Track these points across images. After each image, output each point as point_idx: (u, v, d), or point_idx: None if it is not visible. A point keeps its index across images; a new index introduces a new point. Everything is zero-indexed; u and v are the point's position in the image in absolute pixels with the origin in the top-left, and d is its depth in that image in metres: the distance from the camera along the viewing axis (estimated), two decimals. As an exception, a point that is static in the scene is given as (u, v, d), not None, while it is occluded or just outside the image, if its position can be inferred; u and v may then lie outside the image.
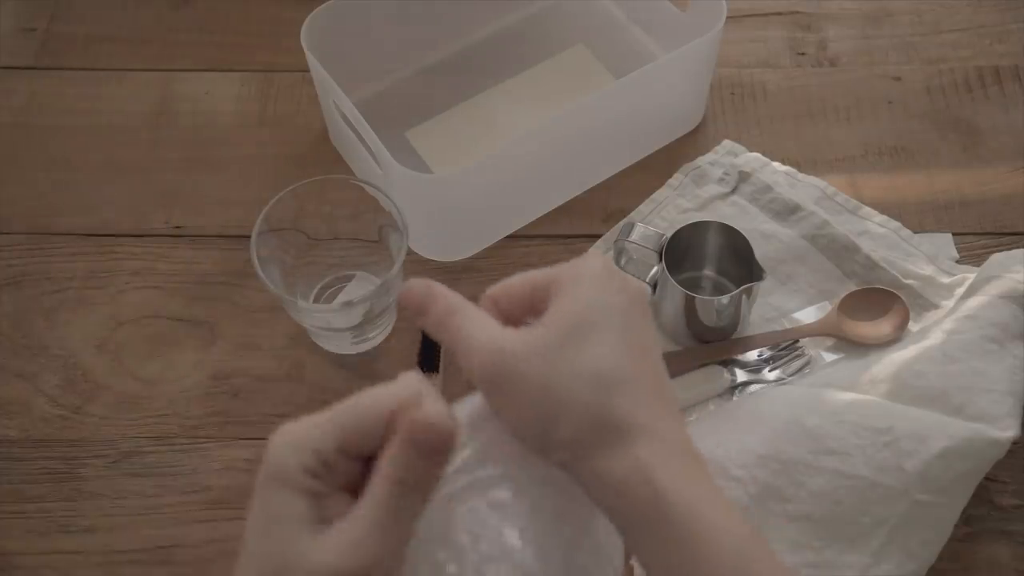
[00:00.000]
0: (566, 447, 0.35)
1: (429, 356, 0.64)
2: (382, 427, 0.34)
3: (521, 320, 0.39)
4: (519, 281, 0.39)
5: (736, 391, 0.64)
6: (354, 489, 0.34)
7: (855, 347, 0.65)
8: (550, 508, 0.37)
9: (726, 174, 0.73)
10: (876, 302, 0.66)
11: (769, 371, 0.65)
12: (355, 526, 0.32)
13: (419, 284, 0.39)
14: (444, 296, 0.39)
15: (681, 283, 0.62)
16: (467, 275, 0.70)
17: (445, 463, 0.34)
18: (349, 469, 0.34)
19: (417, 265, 0.70)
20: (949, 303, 0.65)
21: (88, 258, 0.71)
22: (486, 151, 0.64)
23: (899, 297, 0.65)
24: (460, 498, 0.36)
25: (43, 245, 0.72)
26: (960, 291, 0.65)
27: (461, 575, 0.35)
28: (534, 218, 0.72)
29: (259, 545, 0.33)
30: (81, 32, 0.84)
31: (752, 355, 0.65)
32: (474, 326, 0.37)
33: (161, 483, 0.62)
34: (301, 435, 0.33)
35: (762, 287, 0.63)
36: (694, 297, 0.62)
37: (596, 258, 0.38)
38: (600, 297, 0.37)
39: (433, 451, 0.33)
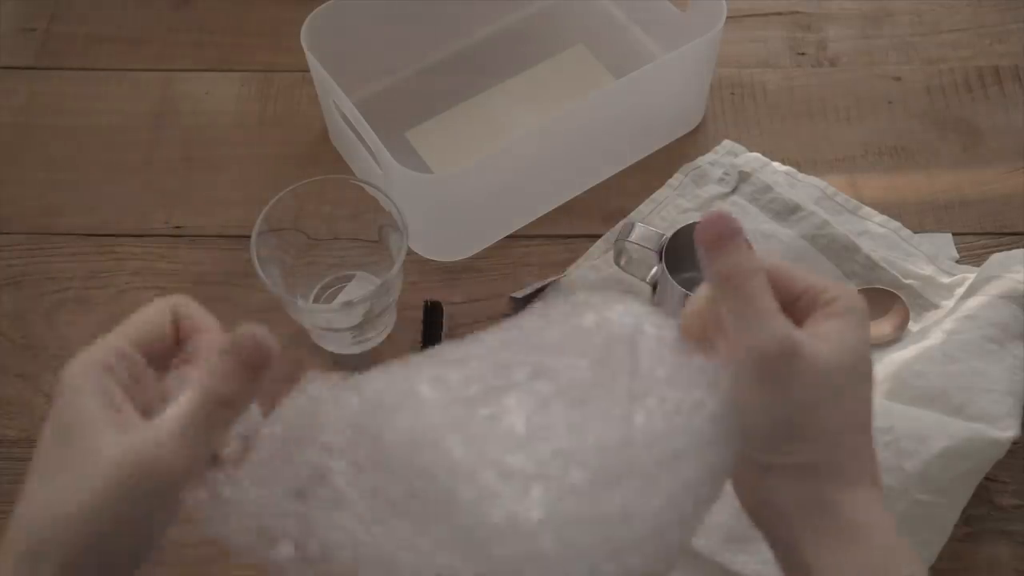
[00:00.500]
0: (801, 458, 0.36)
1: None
2: (165, 323, 0.35)
3: None
4: (786, 274, 0.38)
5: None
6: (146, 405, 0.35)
7: (855, 347, 0.65)
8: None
9: (726, 174, 0.73)
10: (876, 302, 0.66)
11: None
12: (158, 428, 0.32)
13: (727, 218, 0.36)
14: (746, 248, 0.36)
15: (681, 283, 0.62)
16: (467, 275, 0.70)
17: (260, 381, 0.34)
18: (139, 375, 0.35)
19: (417, 265, 0.70)
20: (949, 303, 0.65)
21: (88, 258, 0.71)
22: (486, 151, 0.64)
23: (899, 297, 0.65)
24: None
25: (43, 245, 0.72)
26: (960, 291, 0.65)
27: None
28: (534, 218, 0.72)
29: (52, 455, 0.33)
30: (81, 32, 0.84)
31: (752, 355, 0.65)
32: (768, 302, 0.35)
33: (161, 483, 0.62)
34: (89, 349, 0.34)
35: (762, 287, 0.63)
36: (694, 297, 0.62)
37: (859, 295, 0.38)
38: (867, 343, 0.37)
39: (254, 365, 0.33)
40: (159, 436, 0.32)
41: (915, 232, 0.70)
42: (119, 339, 0.35)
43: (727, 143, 0.76)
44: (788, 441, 0.36)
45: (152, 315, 0.36)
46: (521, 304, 0.68)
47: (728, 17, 0.69)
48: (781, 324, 0.35)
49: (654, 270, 0.66)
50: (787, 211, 0.71)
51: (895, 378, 0.59)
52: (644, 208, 0.72)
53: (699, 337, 0.38)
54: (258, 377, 0.34)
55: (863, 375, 0.36)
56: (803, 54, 0.82)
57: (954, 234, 0.71)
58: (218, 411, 0.33)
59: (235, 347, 0.33)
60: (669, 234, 0.64)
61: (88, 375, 0.33)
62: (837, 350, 0.35)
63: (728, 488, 0.38)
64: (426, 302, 0.66)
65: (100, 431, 0.32)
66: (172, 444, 0.32)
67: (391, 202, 0.62)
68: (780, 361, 0.34)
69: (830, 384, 0.35)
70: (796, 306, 0.37)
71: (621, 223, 0.70)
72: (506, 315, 0.68)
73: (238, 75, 0.81)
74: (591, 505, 0.32)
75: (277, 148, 0.77)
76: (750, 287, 0.35)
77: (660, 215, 0.72)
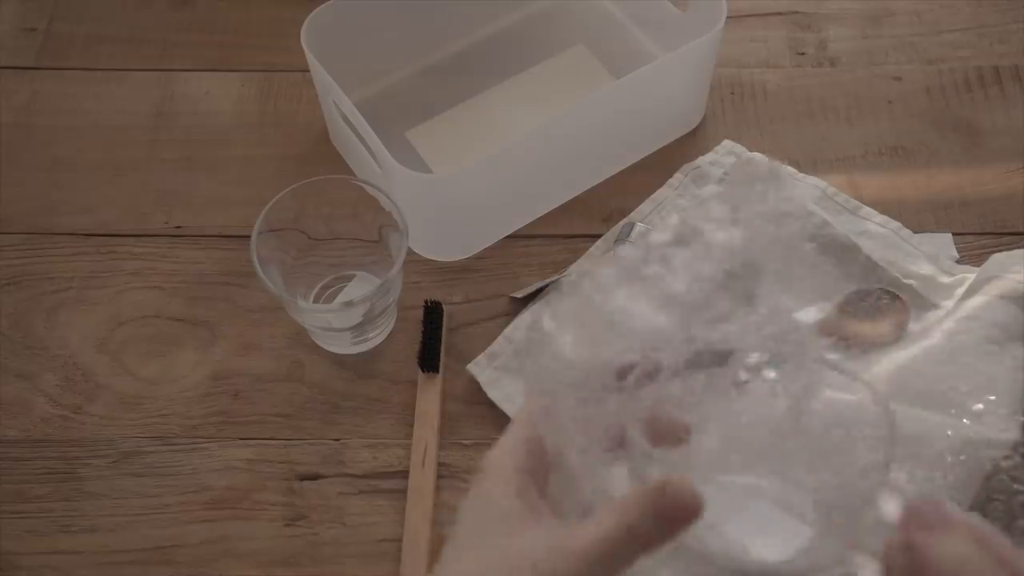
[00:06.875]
0: None
1: (429, 356, 0.64)
2: None
3: None
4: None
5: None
6: None
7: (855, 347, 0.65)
8: None
9: (726, 174, 0.73)
10: (876, 302, 0.66)
11: (768, 371, 0.64)
12: (573, 540, 0.33)
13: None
14: None
15: (681, 283, 0.62)
16: (467, 275, 0.70)
17: (676, 537, 0.33)
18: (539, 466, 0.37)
19: (417, 265, 0.70)
20: (949, 303, 0.65)
21: (88, 258, 0.71)
22: (486, 151, 0.64)
23: (899, 297, 0.65)
24: None
25: (43, 245, 0.72)
26: (960, 291, 0.65)
27: None
28: (534, 218, 0.72)
29: (468, 535, 0.36)
30: (81, 32, 0.84)
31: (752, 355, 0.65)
32: None
33: (161, 483, 0.62)
34: (509, 438, 0.37)
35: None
36: (694, 297, 0.62)
37: None
38: None
39: (673, 519, 0.33)
40: (572, 548, 0.33)
41: (915, 232, 0.70)
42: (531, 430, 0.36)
43: (727, 143, 0.76)
44: None
45: None
46: (521, 304, 0.68)
47: (728, 17, 0.69)
48: None
49: (654, 270, 0.66)
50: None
51: (895, 378, 0.59)
52: (644, 208, 0.72)
53: None
54: (676, 532, 0.33)
55: None
56: (803, 54, 0.82)
57: (954, 234, 0.71)
58: (630, 546, 0.33)
59: (657, 499, 0.33)
60: (669, 234, 0.64)
61: (507, 470, 0.36)
62: None
63: None
64: (426, 302, 0.66)
65: (516, 530, 0.34)
66: (579, 564, 0.33)
67: (391, 202, 0.62)
68: None
69: None
70: None
71: (621, 223, 0.70)
72: (506, 315, 0.68)
73: (238, 75, 0.81)
74: None
75: (277, 148, 0.77)
76: None
77: (660, 215, 0.72)
